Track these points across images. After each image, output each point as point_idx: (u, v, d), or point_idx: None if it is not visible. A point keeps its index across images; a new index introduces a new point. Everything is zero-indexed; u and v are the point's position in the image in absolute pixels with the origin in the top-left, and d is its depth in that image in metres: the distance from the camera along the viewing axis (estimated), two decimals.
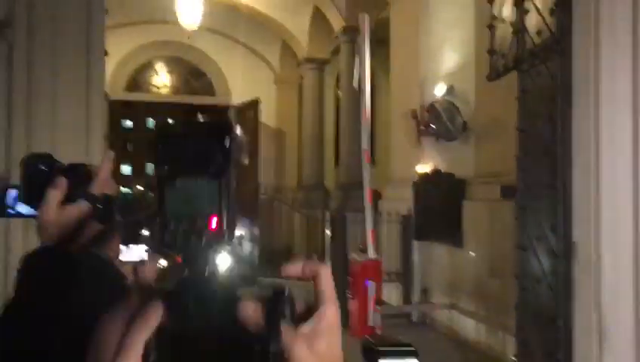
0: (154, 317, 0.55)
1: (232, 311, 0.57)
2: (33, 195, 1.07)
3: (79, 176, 1.09)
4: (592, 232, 4.19)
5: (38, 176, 1.07)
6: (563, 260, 4.46)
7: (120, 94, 16.74)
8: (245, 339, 0.56)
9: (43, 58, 3.13)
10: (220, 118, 0.70)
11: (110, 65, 15.85)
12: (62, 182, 1.05)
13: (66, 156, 1.13)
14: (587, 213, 4.25)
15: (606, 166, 4.11)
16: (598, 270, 4.16)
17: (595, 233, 4.17)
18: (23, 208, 1.11)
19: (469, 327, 8.19)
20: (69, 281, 1.16)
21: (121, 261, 3.30)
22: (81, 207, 1.07)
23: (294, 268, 0.64)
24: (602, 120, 4.07)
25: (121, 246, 3.37)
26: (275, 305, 0.59)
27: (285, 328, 0.57)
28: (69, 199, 1.06)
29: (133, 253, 3.46)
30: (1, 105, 2.98)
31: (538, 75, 4.88)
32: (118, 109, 17.93)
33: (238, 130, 0.66)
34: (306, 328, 0.60)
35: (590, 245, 4.23)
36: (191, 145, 0.62)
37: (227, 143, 0.63)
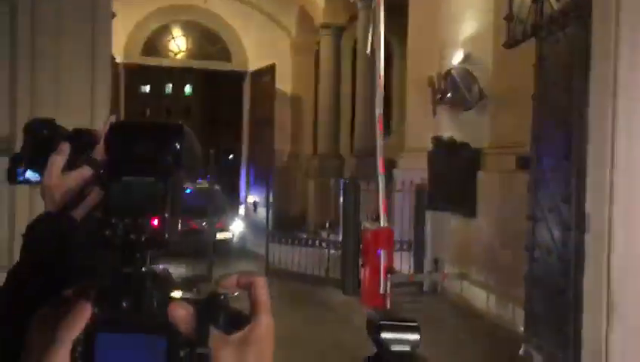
0: (82, 316, 0.56)
1: (162, 310, 0.57)
2: (37, 161, 1.07)
3: (83, 141, 1.08)
4: (606, 204, 4.11)
5: (41, 141, 1.07)
6: (575, 231, 4.40)
7: (136, 58, 16.67)
8: (173, 341, 0.56)
9: (47, 20, 3.08)
10: (173, 121, 0.71)
11: (127, 28, 15.79)
12: (65, 148, 1.04)
13: (70, 120, 1.12)
14: (601, 185, 4.16)
15: (622, 136, 4.00)
16: (610, 242, 4.09)
17: (609, 205, 4.09)
18: (30, 174, 1.11)
19: (480, 298, 8.17)
20: (72, 246, 1.15)
21: None
22: (84, 172, 1.05)
23: (230, 280, 0.64)
24: (620, 88, 3.94)
25: None
26: (208, 309, 0.59)
27: (215, 333, 0.57)
28: (72, 165, 1.05)
29: None
30: (4, 68, 2.95)
31: (556, 42, 4.74)
32: (135, 75, 17.91)
33: (190, 135, 0.67)
34: (236, 336, 0.59)
35: (603, 217, 4.15)
36: (141, 144, 0.63)
37: (177, 146, 0.64)
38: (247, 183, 17.90)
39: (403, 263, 9.57)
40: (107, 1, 3.42)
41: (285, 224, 12.62)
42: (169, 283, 0.60)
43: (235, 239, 13.20)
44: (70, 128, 1.12)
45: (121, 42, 15.70)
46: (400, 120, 13.13)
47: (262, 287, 0.64)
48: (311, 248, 10.36)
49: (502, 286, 7.65)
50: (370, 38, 8.40)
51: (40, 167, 1.06)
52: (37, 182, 1.07)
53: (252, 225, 15.80)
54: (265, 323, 0.61)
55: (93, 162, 1.06)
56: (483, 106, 8.44)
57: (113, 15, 3.64)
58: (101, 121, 3.21)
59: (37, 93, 2.99)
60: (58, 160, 1.04)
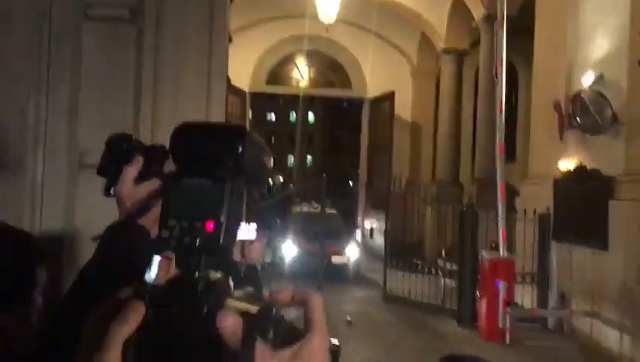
0: (135, 316, 0.56)
1: (212, 319, 0.55)
2: (114, 172, 1.14)
3: (156, 155, 1.14)
4: None
5: (119, 154, 1.13)
6: None
7: (262, 88, 17.45)
8: (217, 350, 0.55)
9: (169, 43, 3.29)
10: (236, 124, 0.70)
11: (252, 59, 16.64)
12: (138, 160, 1.11)
13: None
14: None
15: None
16: None
17: None
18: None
19: (612, 338, 7.47)
20: (140, 252, 1.20)
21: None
22: (154, 184, 1.11)
23: (284, 294, 0.61)
24: None
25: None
26: (257, 322, 0.57)
27: (261, 347, 0.55)
28: (144, 176, 1.11)
29: (243, 231, 3.56)
30: (130, 89, 3.17)
31: None
32: (262, 103, 18.77)
33: (254, 140, 0.65)
34: (285, 352, 0.57)
35: None
36: (202, 147, 0.63)
37: (239, 149, 0.62)
38: (364, 209, 17.92)
39: (525, 297, 9.01)
40: (224, 24, 3.58)
41: (401, 251, 12.43)
42: (225, 291, 0.59)
43: (350, 264, 13.21)
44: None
45: (248, 72, 16.54)
46: (525, 146, 12.52)
47: (317, 305, 0.61)
48: (427, 276, 10.10)
49: (637, 326, 6.94)
50: (494, 62, 8.16)
51: (116, 178, 1.13)
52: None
53: (368, 251, 15.76)
54: (317, 342, 0.58)
55: (163, 175, 1.10)
56: (616, 130, 7.82)
57: (230, 39, 3.81)
58: None
59: (157, 113, 3.18)
60: (131, 170, 1.10)
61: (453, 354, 0.92)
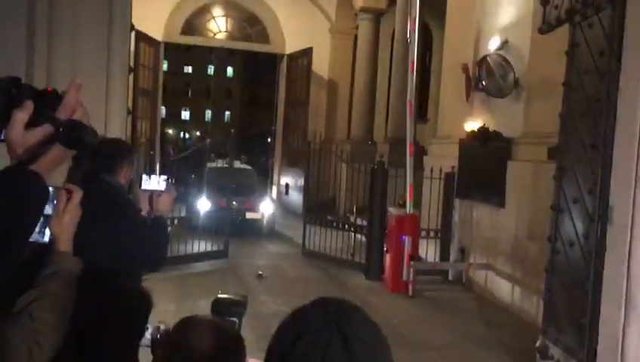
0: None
1: None
2: (3, 117, 1.10)
3: (47, 100, 1.12)
4: (630, 196, 3.97)
5: (8, 98, 1.10)
6: (598, 224, 4.26)
7: (177, 38, 16.84)
8: None
9: None
10: None
11: (167, 7, 15.97)
12: (29, 105, 1.08)
13: (87, 88, 1.15)
14: (627, 176, 4.01)
15: None
16: (632, 235, 3.95)
17: (633, 197, 3.94)
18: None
19: (504, 289, 8.05)
20: (31, 198, 1.20)
21: (142, 189, 3.32)
22: (46, 129, 1.09)
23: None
24: None
25: (144, 176, 3.39)
26: None
27: None
28: (34, 122, 1.09)
29: (153, 182, 3.48)
30: (22, 36, 3.01)
31: (590, 28, 4.57)
32: (178, 55, 18.12)
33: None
34: None
35: (627, 209, 4.01)
36: None
37: None
38: (280, 165, 17.98)
39: (429, 251, 9.49)
40: None
41: (316, 207, 12.65)
42: None
43: (264, 220, 13.30)
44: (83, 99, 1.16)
45: (162, 21, 15.89)
46: (436, 108, 12.94)
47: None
48: (341, 232, 10.37)
49: (527, 279, 7.51)
50: (408, 23, 8.29)
51: (4, 122, 1.10)
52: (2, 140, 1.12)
53: (283, 207, 15.90)
54: None
55: (54, 120, 1.10)
56: (517, 95, 8.24)
57: None
58: (117, 89, 3.24)
59: (53, 59, 3.04)
60: (21, 115, 1.07)
61: (321, 297, 1.00)
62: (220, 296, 1.66)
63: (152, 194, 3.02)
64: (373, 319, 1.00)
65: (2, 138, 1.13)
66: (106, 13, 3.22)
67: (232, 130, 13.10)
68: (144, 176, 3.10)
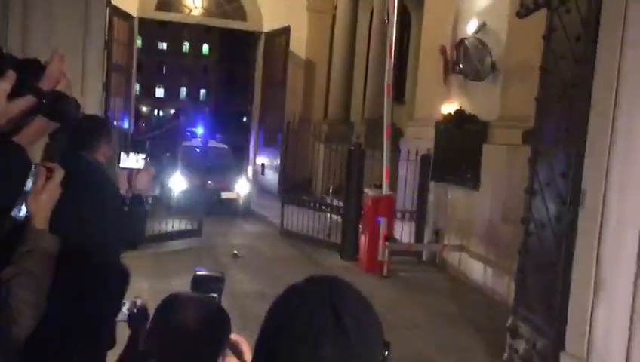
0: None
1: None
2: None
3: (29, 70, 1.09)
4: (602, 180, 4.05)
5: None
6: (569, 206, 4.35)
7: (151, 14, 16.52)
8: None
9: None
10: None
11: None
12: (11, 75, 1.06)
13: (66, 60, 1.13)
14: (600, 161, 4.09)
15: (624, 112, 3.91)
16: (602, 219, 4.05)
17: (605, 181, 4.03)
18: None
19: (477, 270, 8.19)
20: (14, 169, 1.18)
21: (120, 167, 3.28)
22: (28, 100, 1.07)
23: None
24: (626, 62, 3.84)
25: (122, 154, 3.35)
26: None
27: None
28: (17, 92, 1.06)
29: (131, 160, 3.45)
30: None
31: (567, 13, 4.61)
32: (153, 31, 17.78)
33: None
34: None
35: (599, 193, 4.10)
36: None
37: None
38: (257, 145, 17.89)
39: (404, 232, 9.58)
40: None
41: (293, 187, 12.65)
42: None
43: (240, 199, 13.27)
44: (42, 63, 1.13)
45: None
46: (414, 90, 12.97)
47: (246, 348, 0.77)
48: (317, 212, 10.41)
49: (500, 260, 7.65)
50: (387, 4, 8.25)
51: None
52: None
53: (259, 187, 15.86)
54: None
55: (37, 91, 1.07)
56: (494, 78, 8.31)
57: None
58: (93, 63, 3.17)
59: (28, 43, 2.96)
60: (3, 86, 1.05)
61: (314, 275, 1.02)
62: (198, 272, 1.67)
63: (131, 173, 2.99)
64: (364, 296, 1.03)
65: None
66: None
67: (207, 109, 12.97)
68: (122, 155, 3.06)
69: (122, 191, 2.93)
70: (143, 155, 3.09)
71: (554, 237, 4.57)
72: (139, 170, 3.01)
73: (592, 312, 4.08)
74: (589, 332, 4.09)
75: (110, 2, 4.47)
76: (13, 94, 1.06)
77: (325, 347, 0.88)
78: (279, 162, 15.43)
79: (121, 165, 3.05)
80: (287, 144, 12.15)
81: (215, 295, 1.56)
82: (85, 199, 2.41)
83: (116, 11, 12.88)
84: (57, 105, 1.10)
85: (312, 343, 0.88)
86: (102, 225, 2.51)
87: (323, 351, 0.88)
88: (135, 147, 3.10)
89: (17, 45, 2.94)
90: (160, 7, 16.37)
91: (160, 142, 15.82)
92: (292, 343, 0.90)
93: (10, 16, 2.92)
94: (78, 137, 2.63)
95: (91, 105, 3.22)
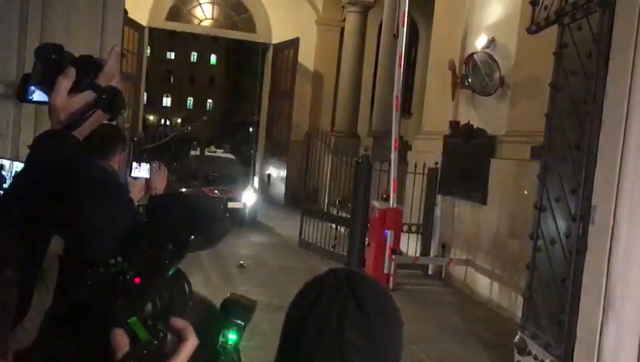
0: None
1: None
2: (46, 82, 1.14)
3: (88, 67, 1.15)
4: (613, 196, 4.05)
5: (49, 65, 1.13)
6: (580, 223, 4.34)
7: (162, 24, 16.65)
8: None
9: None
10: None
11: None
12: (71, 72, 1.11)
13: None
14: (610, 177, 4.09)
15: (635, 130, 3.92)
16: (613, 236, 4.04)
17: (616, 198, 4.03)
18: (38, 95, 1.19)
19: (483, 285, 8.16)
20: (72, 162, 1.21)
21: (132, 177, 3.31)
22: (88, 96, 1.13)
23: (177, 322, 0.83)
24: (638, 79, 3.85)
25: (134, 164, 3.37)
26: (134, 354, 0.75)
27: None
28: (76, 88, 1.12)
29: (143, 170, 3.48)
30: (15, 19, 2.96)
31: (579, 30, 4.63)
32: (162, 41, 17.90)
33: None
34: None
35: (609, 209, 4.09)
36: None
37: None
38: (264, 155, 17.93)
39: (410, 246, 9.56)
40: None
41: (299, 199, 12.66)
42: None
43: (246, 210, 13.27)
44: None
45: (147, 5, 15.71)
46: (421, 103, 13.01)
47: (189, 347, 0.81)
48: (323, 223, 10.43)
49: (506, 275, 7.62)
50: (397, 18, 8.30)
51: (48, 88, 1.14)
52: (45, 103, 1.15)
53: (265, 198, 15.88)
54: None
55: (95, 87, 1.14)
56: (502, 93, 8.32)
57: None
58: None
59: (47, 24, 2.99)
60: (65, 82, 1.11)
61: (331, 268, 1.05)
62: (231, 295, 1.58)
63: (147, 180, 3.04)
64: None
65: (30, 98, 1.16)
66: None
67: (205, 118, 13.05)
68: (134, 164, 3.09)
69: (135, 201, 2.95)
70: (156, 163, 3.14)
71: (563, 253, 4.56)
72: (149, 178, 3.05)
73: (601, 329, 4.06)
74: (598, 349, 4.07)
75: (127, 14, 4.52)
76: (73, 90, 1.12)
77: (349, 331, 0.92)
78: (285, 173, 15.45)
79: (133, 175, 3.07)
80: (307, 155, 12.17)
81: (241, 322, 1.40)
82: (97, 204, 2.42)
83: (127, 21, 12.99)
84: (115, 101, 1.16)
85: (335, 327, 0.91)
86: (111, 231, 2.51)
87: (347, 335, 0.90)
88: (140, 157, 3.14)
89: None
90: (170, 17, 16.50)
91: (168, 151, 15.87)
92: (317, 329, 0.93)
93: (28, 28, 2.96)
94: (94, 144, 2.65)
95: None
